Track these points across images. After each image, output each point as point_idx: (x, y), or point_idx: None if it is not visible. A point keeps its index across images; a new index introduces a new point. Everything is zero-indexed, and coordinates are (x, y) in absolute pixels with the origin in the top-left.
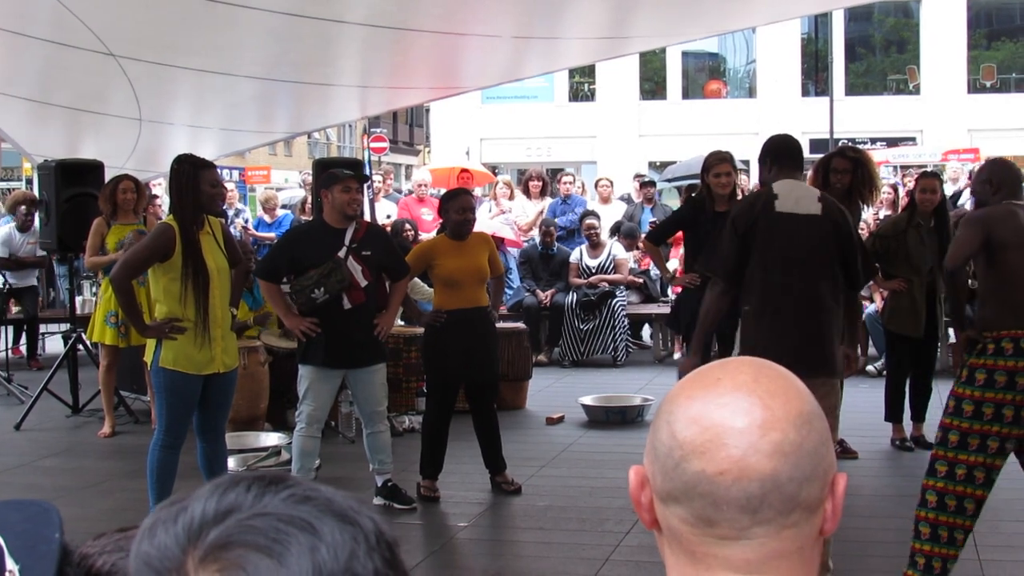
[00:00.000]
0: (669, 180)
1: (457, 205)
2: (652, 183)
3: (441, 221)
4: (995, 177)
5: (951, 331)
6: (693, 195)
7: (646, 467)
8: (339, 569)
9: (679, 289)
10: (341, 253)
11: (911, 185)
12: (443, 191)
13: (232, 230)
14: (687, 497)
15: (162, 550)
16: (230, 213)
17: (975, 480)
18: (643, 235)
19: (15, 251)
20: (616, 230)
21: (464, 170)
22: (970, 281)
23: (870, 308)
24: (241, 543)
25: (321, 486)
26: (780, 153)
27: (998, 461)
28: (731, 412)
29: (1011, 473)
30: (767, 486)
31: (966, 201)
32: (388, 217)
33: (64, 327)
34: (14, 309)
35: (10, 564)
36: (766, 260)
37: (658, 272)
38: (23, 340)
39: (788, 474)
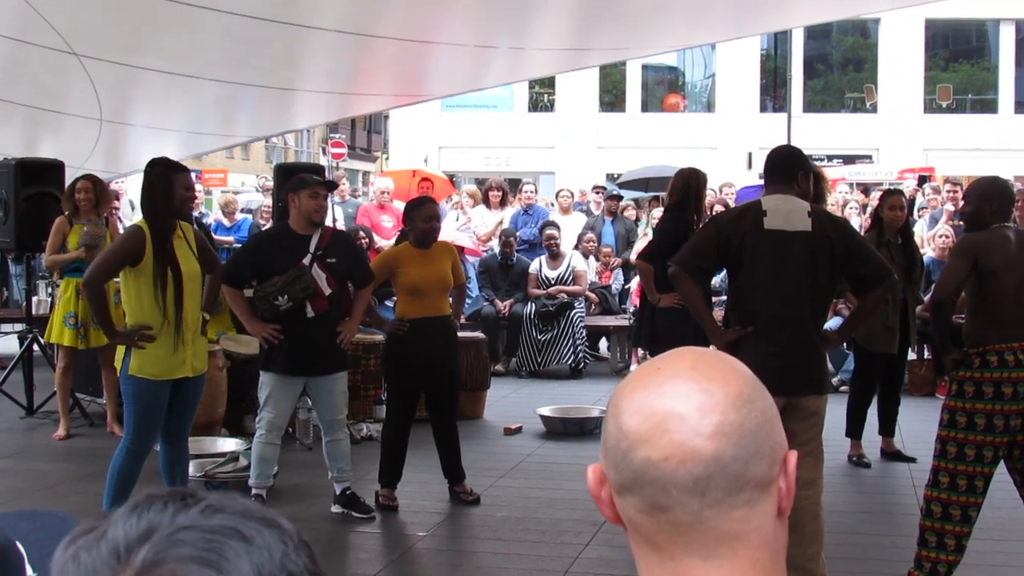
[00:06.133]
0: (624, 185)
1: (423, 213)
2: (619, 197)
3: (401, 228)
4: (996, 198)
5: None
6: (671, 212)
7: (601, 463)
8: (276, 568)
9: (638, 303)
10: (306, 260)
11: (875, 204)
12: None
13: None
14: (637, 485)
15: (91, 575)
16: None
17: (976, 489)
18: (636, 255)
19: None
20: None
21: (425, 178)
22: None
23: (831, 323)
24: (174, 557)
25: (233, 495)
26: (770, 167)
27: (993, 469)
28: (672, 399)
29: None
30: (712, 467)
31: (932, 212)
32: (335, 221)
33: (19, 327)
34: None
35: (29, 572)
36: (754, 279)
37: (618, 287)
38: None
39: (732, 454)
